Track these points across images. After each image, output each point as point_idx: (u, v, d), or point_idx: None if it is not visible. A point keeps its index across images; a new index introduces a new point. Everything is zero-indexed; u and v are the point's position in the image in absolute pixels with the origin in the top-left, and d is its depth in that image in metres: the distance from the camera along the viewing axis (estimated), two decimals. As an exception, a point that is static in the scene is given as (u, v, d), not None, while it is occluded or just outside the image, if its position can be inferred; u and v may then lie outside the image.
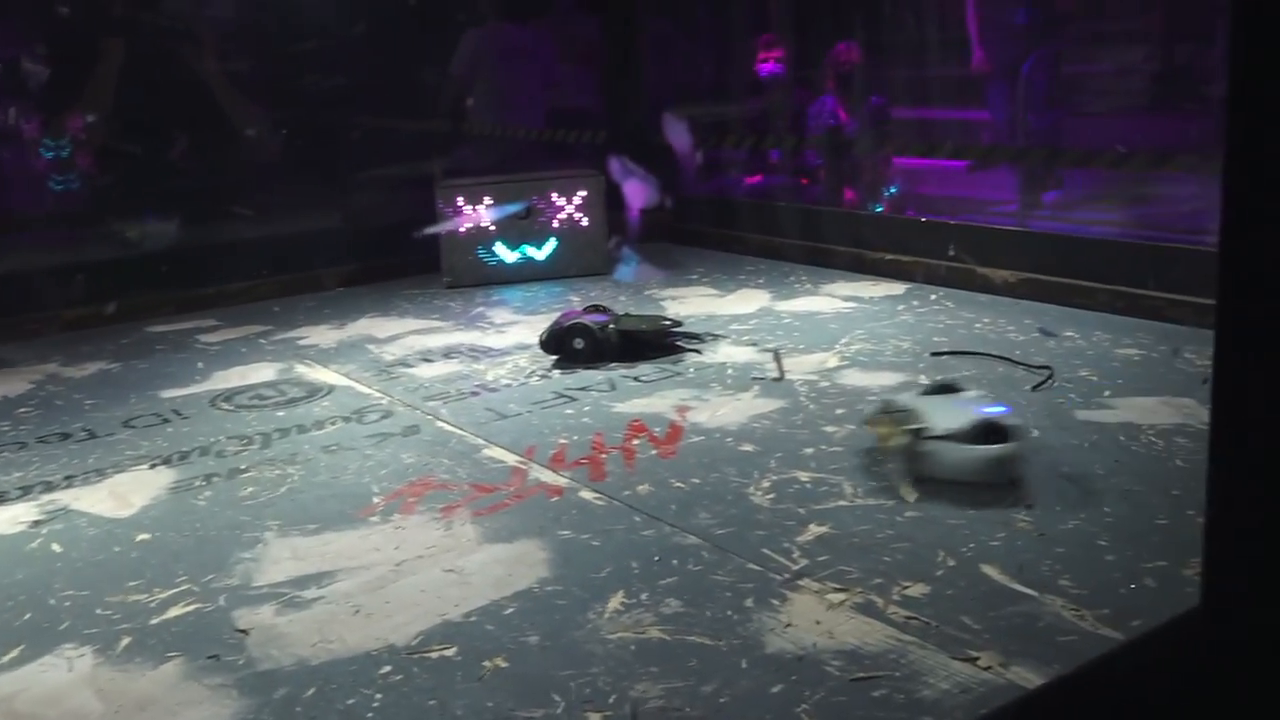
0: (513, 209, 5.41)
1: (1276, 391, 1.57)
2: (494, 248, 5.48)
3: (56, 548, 2.70)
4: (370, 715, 1.94)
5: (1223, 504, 1.66)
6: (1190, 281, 4.04)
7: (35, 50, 6.43)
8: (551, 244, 5.50)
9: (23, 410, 3.83)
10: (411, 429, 3.40)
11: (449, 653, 2.12)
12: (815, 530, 2.52)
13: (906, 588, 2.24)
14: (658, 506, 2.71)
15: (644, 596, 2.28)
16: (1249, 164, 1.57)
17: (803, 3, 6.96)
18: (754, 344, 4.09)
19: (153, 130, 6.26)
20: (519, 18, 6.79)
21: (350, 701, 1.98)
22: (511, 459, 3.10)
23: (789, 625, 2.13)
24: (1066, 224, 5.54)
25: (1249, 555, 1.64)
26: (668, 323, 4.19)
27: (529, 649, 2.12)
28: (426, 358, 4.20)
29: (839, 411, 3.30)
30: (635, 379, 3.76)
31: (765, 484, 2.80)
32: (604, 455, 3.09)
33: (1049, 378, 3.47)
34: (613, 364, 3.91)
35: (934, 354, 3.81)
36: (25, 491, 3.07)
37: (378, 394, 3.78)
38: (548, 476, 2.96)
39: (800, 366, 3.75)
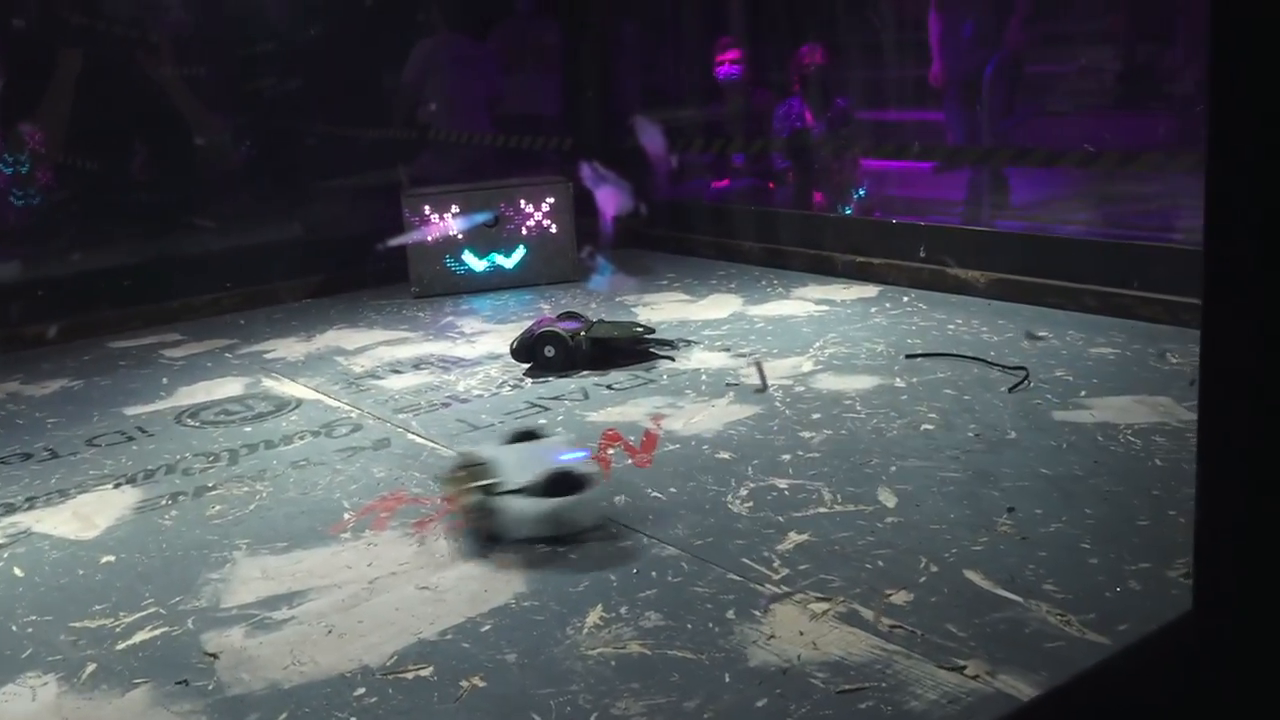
0: (481, 218, 5.36)
1: (1262, 391, 1.55)
2: (462, 256, 5.43)
3: (18, 571, 2.63)
4: (345, 740, 1.89)
5: (1211, 505, 1.64)
6: (1163, 280, 4.04)
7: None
8: (520, 252, 5.45)
9: (-18, 430, 3.74)
10: (382, 442, 3.35)
11: (425, 673, 2.07)
12: (795, 538, 2.49)
13: (889, 595, 2.20)
14: (635, 517, 2.67)
15: (623, 610, 2.24)
16: (1231, 161, 1.55)
17: (761, 4, 6.96)
18: (727, 349, 4.06)
19: (112, 142, 6.17)
20: (471, 28, 6.80)
21: (324, 726, 1.93)
22: (485, 471, 3.05)
23: (772, 637, 2.09)
24: (1037, 223, 5.56)
25: (1238, 556, 1.62)
26: (640, 329, 4.15)
27: (507, 667, 2.07)
28: (396, 369, 4.15)
29: (815, 416, 3.27)
30: (608, 387, 3.71)
31: (743, 492, 2.77)
32: (579, 465, 3.04)
33: (1025, 379, 3.45)
34: (585, 372, 3.87)
35: (909, 356, 3.79)
36: (-15, 514, 3.00)
37: (347, 407, 3.72)
38: (522, 488, 2.91)
39: (775, 371, 3.72)
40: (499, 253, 5.44)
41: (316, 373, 4.18)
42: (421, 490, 2.95)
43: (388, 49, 6.81)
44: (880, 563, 2.35)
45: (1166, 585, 2.16)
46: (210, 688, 2.08)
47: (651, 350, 4.05)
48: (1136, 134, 6.20)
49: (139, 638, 2.28)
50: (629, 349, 4.03)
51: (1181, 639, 1.86)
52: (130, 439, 3.55)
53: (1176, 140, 5.64)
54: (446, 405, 3.66)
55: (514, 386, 3.81)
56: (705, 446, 3.11)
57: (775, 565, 2.37)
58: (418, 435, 3.38)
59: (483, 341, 4.45)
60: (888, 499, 2.66)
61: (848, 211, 6.24)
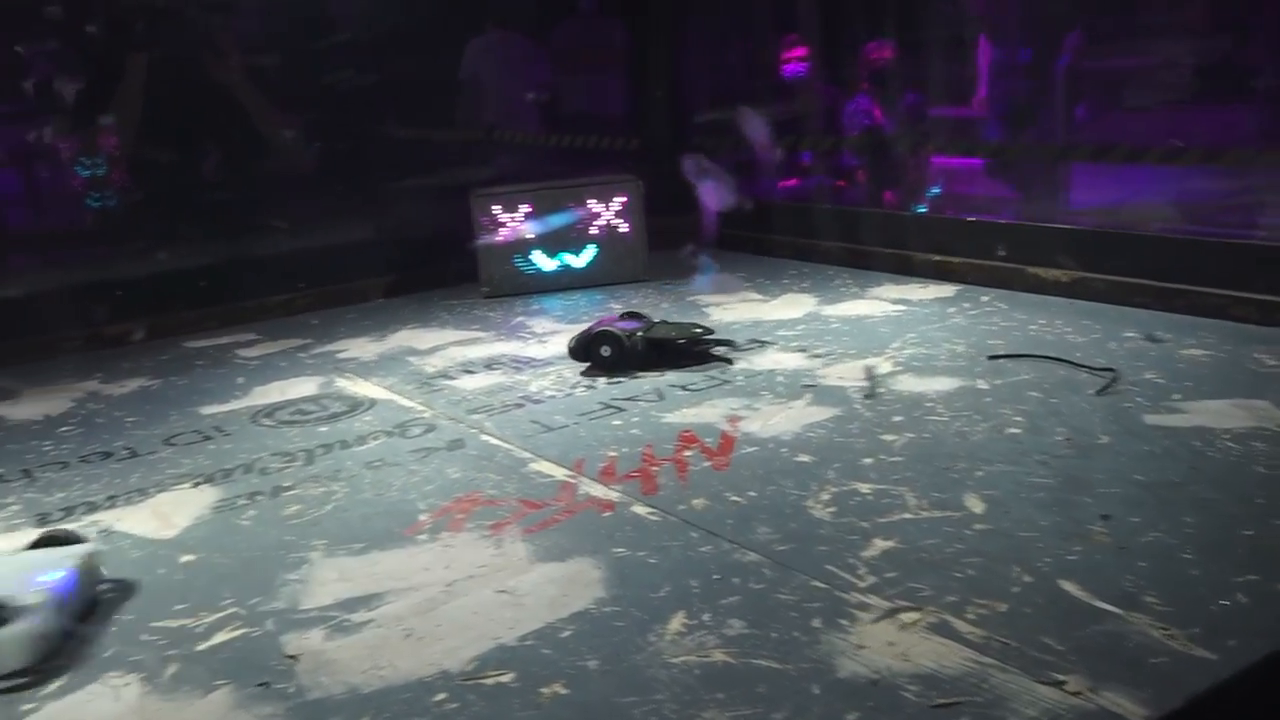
0: (560, 221, 5.32)
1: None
2: (531, 256, 5.41)
3: (101, 570, 2.64)
4: (426, 747, 1.86)
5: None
6: (1253, 278, 3.91)
7: (67, 70, 6.44)
8: (590, 251, 5.42)
9: (64, 429, 3.78)
10: (456, 443, 3.33)
11: (505, 679, 2.04)
12: (881, 545, 2.43)
13: (982, 606, 2.13)
14: (714, 521, 2.62)
15: (706, 617, 2.19)
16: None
17: (828, 1, 6.86)
18: (803, 350, 3.99)
19: (185, 144, 6.25)
20: (529, 26, 6.84)
21: (405, 732, 1.91)
22: (560, 473, 3.02)
23: (860, 647, 2.03)
24: (1116, 221, 5.41)
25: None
26: (699, 330, 4.09)
27: (589, 674, 2.04)
28: (468, 369, 4.13)
29: (896, 419, 3.20)
30: (683, 388, 3.67)
31: (825, 496, 2.71)
32: (655, 468, 3.00)
33: (1113, 381, 3.35)
34: (649, 372, 3.84)
35: (991, 357, 3.70)
36: (68, 512, 3.02)
37: (420, 407, 3.72)
38: (598, 491, 2.88)
39: (852, 373, 3.65)
40: (569, 252, 5.41)
41: (389, 373, 4.18)
42: (497, 492, 2.92)
43: (458, 47, 6.84)
44: (970, 571, 2.28)
45: (1277, 599, 2.07)
46: (291, 690, 2.06)
47: (710, 352, 4.00)
48: (1220, 129, 6.03)
49: (219, 638, 2.27)
50: (686, 350, 3.98)
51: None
52: (207, 438, 3.57)
53: (1260, 136, 5.47)
54: (520, 406, 3.63)
55: (588, 388, 3.77)
56: (784, 449, 3.05)
57: (861, 573, 2.31)
58: (492, 436, 3.36)
59: (554, 341, 4.42)
60: (975, 505, 2.58)
61: (922, 210, 6.14)
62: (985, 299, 4.54)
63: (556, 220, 5.34)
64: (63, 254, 6.17)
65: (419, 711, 1.96)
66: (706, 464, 3.00)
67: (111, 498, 3.11)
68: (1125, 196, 5.58)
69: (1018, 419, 3.12)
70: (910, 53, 6.86)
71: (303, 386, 4.08)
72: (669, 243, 5.63)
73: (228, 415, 3.80)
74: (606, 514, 2.73)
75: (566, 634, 2.18)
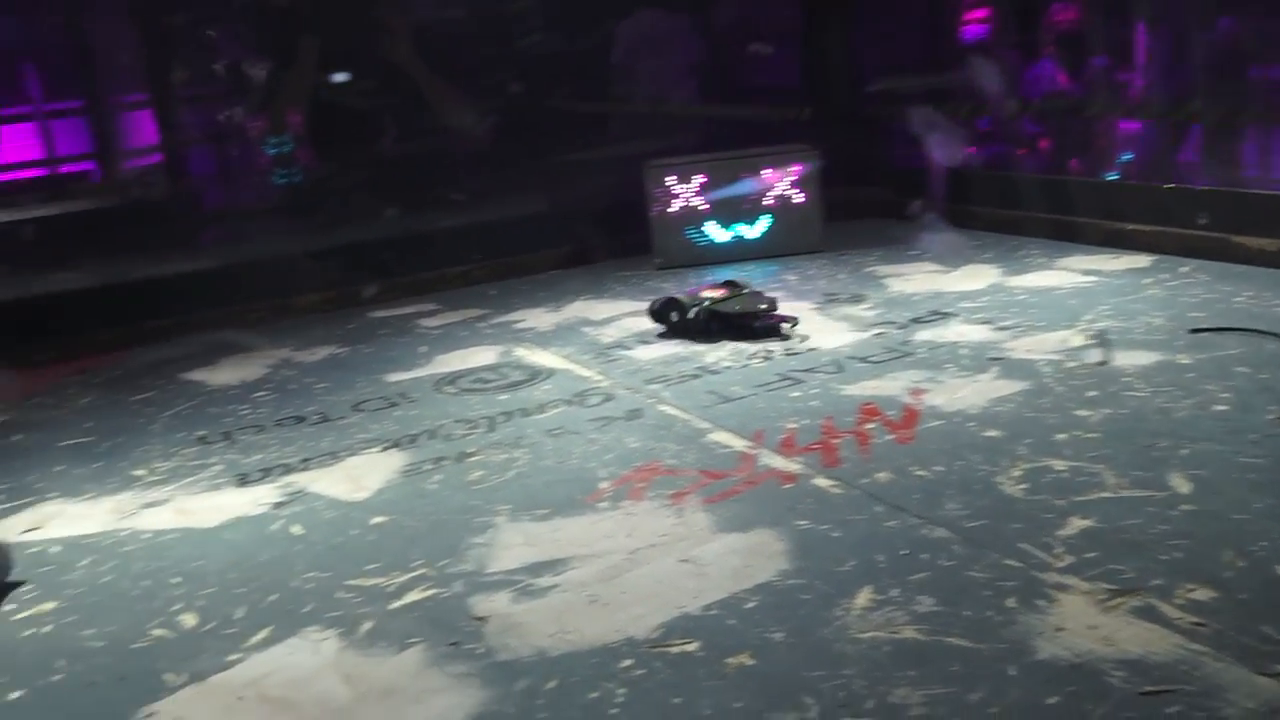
0: (738, 190, 5.28)
1: None
2: (705, 228, 5.38)
3: (297, 530, 2.75)
4: (614, 712, 1.87)
5: None
6: None
7: (253, 52, 6.71)
8: (765, 222, 5.36)
9: (259, 394, 3.95)
10: (634, 413, 3.34)
11: (690, 648, 2.04)
12: (1078, 524, 2.33)
13: (1191, 590, 2.02)
14: (900, 495, 2.56)
15: (894, 593, 2.14)
16: None
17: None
18: (988, 322, 3.86)
19: (364, 122, 6.45)
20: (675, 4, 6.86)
21: (593, 695, 1.92)
22: (739, 444, 3.00)
23: (1059, 629, 1.95)
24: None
25: None
26: (764, 306, 4.01)
27: (774, 646, 2.01)
28: (644, 340, 4.14)
29: (1091, 394, 3.07)
30: (863, 359, 3.60)
31: (1016, 472, 2.61)
32: (836, 440, 2.95)
33: (1330, 356, 3.14)
34: (709, 342, 3.95)
35: (1193, 331, 3.51)
36: (265, 474, 3.15)
37: (598, 377, 3.74)
38: (778, 462, 2.85)
39: (1041, 346, 3.52)
40: (743, 223, 5.37)
41: (566, 342, 4.22)
42: (677, 462, 2.92)
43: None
44: (1177, 554, 2.16)
45: None
46: (480, 651, 2.10)
47: (778, 329, 3.96)
48: None
49: (411, 598, 2.33)
50: (745, 324, 3.96)
51: None
52: (393, 405, 3.67)
53: None
54: (697, 377, 3.62)
55: (765, 358, 3.73)
56: (971, 423, 2.96)
57: (1058, 552, 2.22)
58: (670, 406, 3.36)
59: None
60: (1180, 485, 2.45)
61: (1111, 177, 5.88)
62: (1185, 269, 4.31)
63: (735, 190, 5.30)
64: (252, 228, 6.45)
65: (606, 676, 1.97)
66: (889, 437, 2.93)
67: (305, 460, 3.23)
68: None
69: (1225, 395, 2.95)
70: (1099, 15, 6.57)
71: (483, 355, 4.16)
72: (846, 214, 5.53)
73: (412, 382, 3.90)
74: (788, 486, 2.70)
75: (751, 605, 2.16)
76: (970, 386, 3.24)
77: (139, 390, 4.13)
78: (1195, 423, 2.79)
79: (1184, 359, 3.26)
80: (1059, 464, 2.63)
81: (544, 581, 2.34)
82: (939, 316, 4.00)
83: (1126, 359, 3.32)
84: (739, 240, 5.39)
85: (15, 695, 2.12)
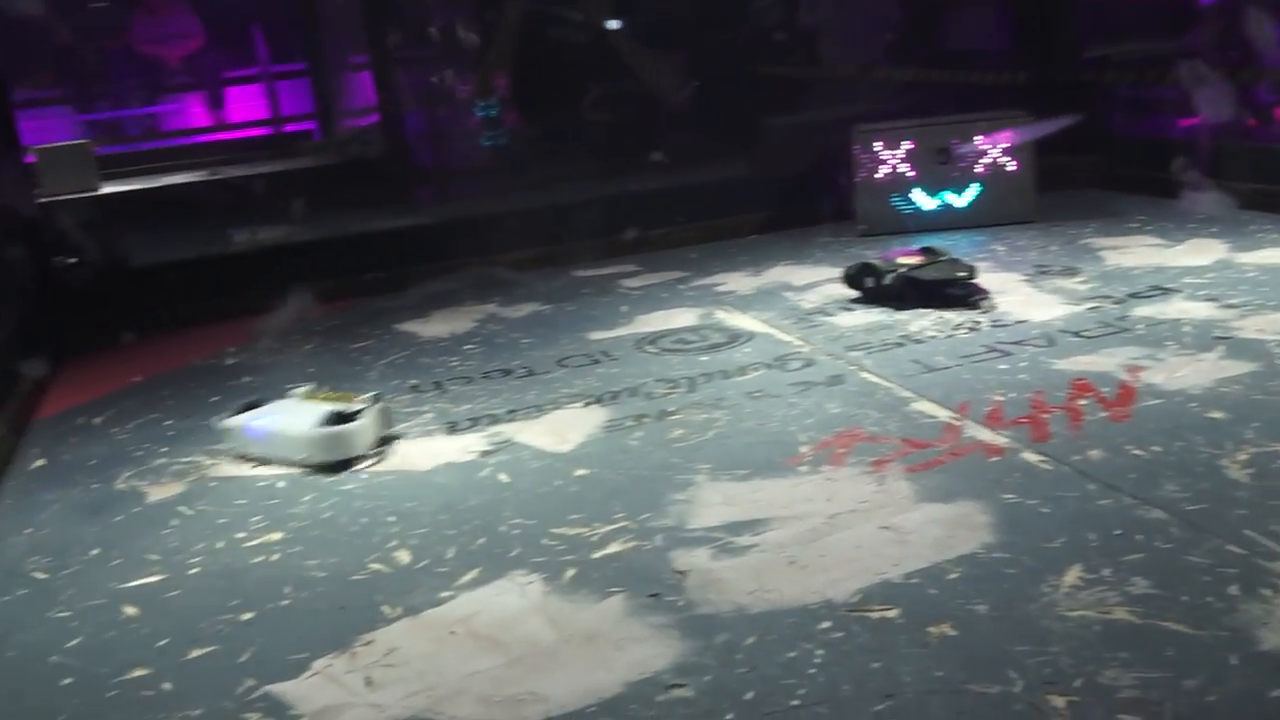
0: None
1: None
2: (911, 195, 5.27)
3: (504, 477, 2.84)
4: (812, 671, 1.88)
5: None
6: None
7: (465, 16, 6.90)
8: (974, 190, 5.22)
9: (468, 347, 4.09)
10: (835, 379, 3.32)
11: (891, 614, 2.03)
12: (1310, 513, 2.21)
13: None
14: (1114, 474, 2.48)
15: (1106, 573, 2.08)
16: None
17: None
18: (1214, 299, 3.67)
19: (568, 86, 6.56)
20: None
21: (791, 655, 1.93)
22: (943, 414, 2.95)
23: (1287, 620, 1.86)
24: None
25: None
26: (962, 274, 3.90)
27: (978, 618, 1.98)
28: (845, 306, 4.10)
29: (1327, 378, 2.89)
30: (1076, 334, 3.47)
31: (1242, 456, 2.49)
32: (1046, 415, 2.86)
33: None
34: (905, 310, 3.87)
35: None
36: (474, 423, 3.27)
37: (798, 342, 3.73)
38: (984, 435, 2.79)
39: (1273, 326, 3.33)
40: (950, 191, 5.24)
41: (766, 307, 4.22)
42: (878, 429, 2.89)
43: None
44: None
45: None
46: (680, 604, 2.14)
47: (969, 299, 3.87)
48: None
49: (612, 549, 2.39)
50: (938, 293, 3.87)
51: None
52: (595, 362, 3.75)
53: None
54: (900, 345, 3.57)
55: (971, 329, 3.65)
56: (1193, 404, 2.83)
57: (1286, 541, 2.11)
58: (871, 373, 3.33)
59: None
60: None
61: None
62: None
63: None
64: (461, 188, 6.65)
65: (805, 637, 1.98)
66: (1103, 414, 2.83)
67: (511, 412, 3.33)
68: None
69: None
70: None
71: (683, 317, 4.20)
72: (1061, 183, 5.33)
73: (614, 341, 3.97)
74: (994, 459, 2.64)
75: (954, 575, 2.13)
76: (1193, 365, 3.09)
77: (357, 339, 4.33)
78: None
79: None
80: (1290, 450, 2.50)
81: (743, 540, 2.36)
82: (1160, 292, 3.83)
83: (1369, 343, 3.11)
84: (946, 208, 5.26)
85: (247, 616, 2.28)
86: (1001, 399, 3.01)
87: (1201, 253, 4.30)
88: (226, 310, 4.85)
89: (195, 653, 2.16)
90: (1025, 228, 5.06)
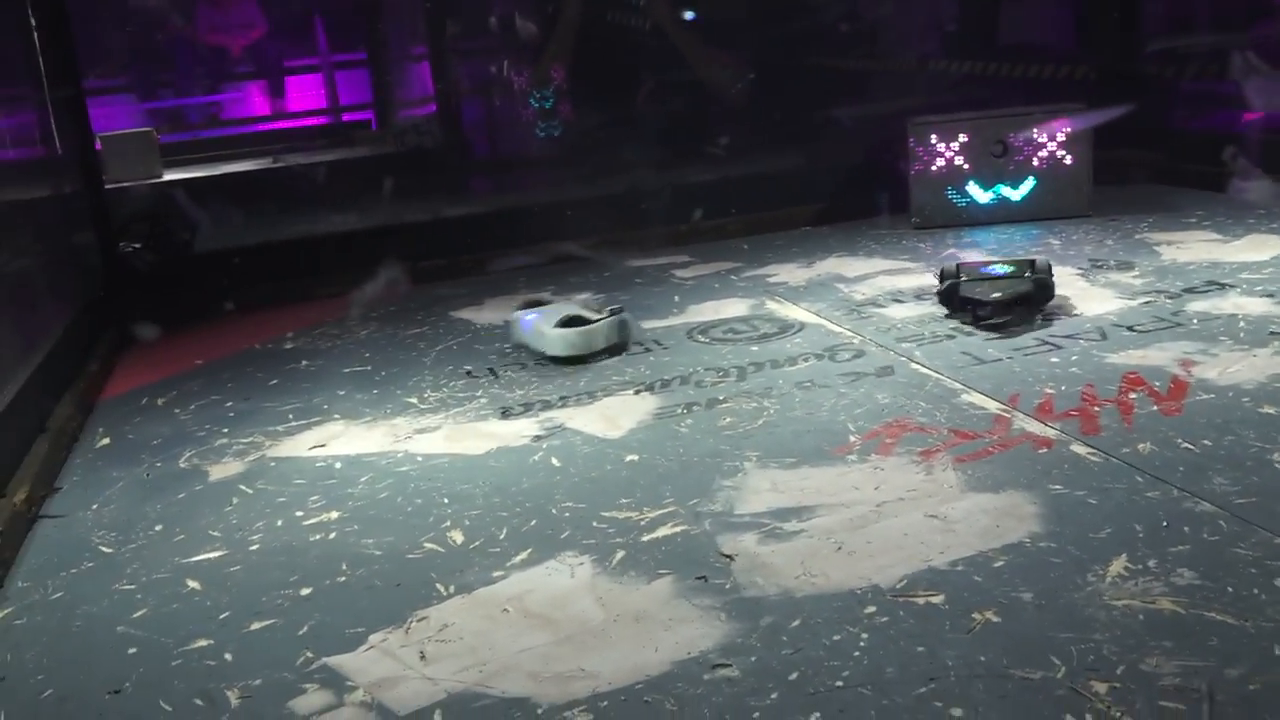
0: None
1: None
2: (966, 188, 5.26)
3: (555, 461, 2.89)
4: (857, 654, 1.91)
5: None
6: None
7: (524, 7, 6.96)
8: (1029, 184, 5.19)
9: (522, 334, 4.14)
10: (885, 369, 3.34)
11: (936, 600, 2.05)
12: (1362, 508, 2.20)
13: None
14: (1163, 467, 2.48)
15: (1151, 563, 2.09)
16: None
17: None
18: (1270, 295, 3.64)
19: (623, 78, 6.60)
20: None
21: (836, 638, 1.96)
22: (993, 406, 2.96)
23: (1333, 614, 1.86)
24: None
25: None
26: (1000, 295, 3.62)
27: (1022, 606, 2.00)
28: (897, 298, 4.11)
29: (1384, 375, 2.86)
30: (1129, 328, 3.46)
31: (1294, 451, 2.48)
32: (1096, 408, 2.86)
33: None
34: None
35: None
36: (527, 408, 3.32)
37: (849, 333, 3.75)
38: (1034, 427, 2.80)
39: (1330, 322, 3.30)
40: (1006, 184, 5.22)
41: (818, 298, 4.23)
42: (927, 420, 2.91)
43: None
44: None
45: None
46: (727, 586, 2.18)
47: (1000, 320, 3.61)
48: None
49: (661, 532, 2.43)
50: (981, 313, 3.63)
51: None
52: (648, 350, 3.78)
53: None
54: (951, 337, 3.57)
55: (1021, 322, 3.64)
56: (1245, 399, 2.81)
57: (1336, 535, 2.11)
58: (921, 365, 3.34)
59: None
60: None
61: None
62: None
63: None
64: (515, 178, 6.72)
65: (850, 621, 2.01)
66: (1154, 408, 2.83)
67: (564, 398, 3.38)
68: None
69: None
70: None
71: (735, 307, 4.23)
72: (1118, 178, 5.29)
73: (666, 330, 4.01)
74: (1043, 450, 2.65)
75: (999, 564, 2.15)
76: (1247, 360, 3.08)
77: (413, 325, 4.41)
78: None
79: None
80: (1343, 445, 2.49)
81: (790, 526, 2.39)
82: (1215, 287, 3.80)
83: None
84: (1001, 202, 5.24)
85: (306, 591, 2.35)
86: (1052, 392, 3.01)
87: (1260, 248, 4.26)
88: (286, 295, 4.96)
89: (255, 625, 2.23)
90: (1081, 222, 5.04)
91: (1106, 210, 5.09)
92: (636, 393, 3.36)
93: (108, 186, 5.41)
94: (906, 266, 4.60)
